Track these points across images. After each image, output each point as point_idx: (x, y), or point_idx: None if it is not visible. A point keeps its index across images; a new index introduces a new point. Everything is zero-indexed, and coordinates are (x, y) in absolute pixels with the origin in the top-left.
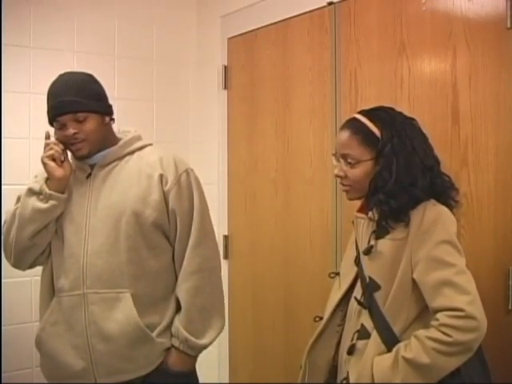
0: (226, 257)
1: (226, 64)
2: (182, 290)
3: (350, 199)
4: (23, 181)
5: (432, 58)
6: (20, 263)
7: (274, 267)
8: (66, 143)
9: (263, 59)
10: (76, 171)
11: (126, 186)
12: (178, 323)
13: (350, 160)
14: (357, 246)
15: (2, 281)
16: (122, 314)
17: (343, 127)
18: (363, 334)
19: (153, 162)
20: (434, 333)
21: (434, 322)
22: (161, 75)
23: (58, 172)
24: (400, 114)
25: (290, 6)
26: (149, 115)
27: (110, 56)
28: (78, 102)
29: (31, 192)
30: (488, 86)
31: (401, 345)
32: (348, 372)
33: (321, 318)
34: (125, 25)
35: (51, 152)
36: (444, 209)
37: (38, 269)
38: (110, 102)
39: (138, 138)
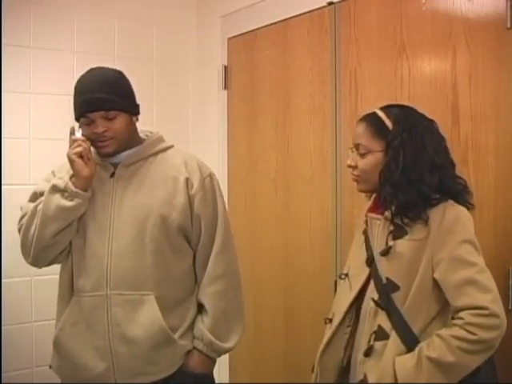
0: None
1: (225, 64)
2: (207, 294)
3: (360, 190)
4: (23, 181)
5: (432, 58)
6: (38, 261)
7: (273, 267)
8: (93, 140)
9: (263, 59)
10: (98, 169)
11: (152, 188)
12: (202, 326)
13: (361, 150)
14: (368, 246)
15: (2, 281)
16: (147, 316)
17: (360, 119)
18: (381, 334)
19: (178, 165)
20: (458, 331)
21: (457, 321)
22: (161, 75)
23: (85, 170)
24: (420, 114)
25: (290, 6)
26: (149, 115)
27: (109, 56)
28: (109, 100)
29: (55, 189)
30: (488, 86)
31: (423, 344)
32: (365, 373)
33: (330, 320)
34: (125, 25)
35: (79, 149)
36: (463, 209)
37: (38, 269)
38: None
39: (161, 139)
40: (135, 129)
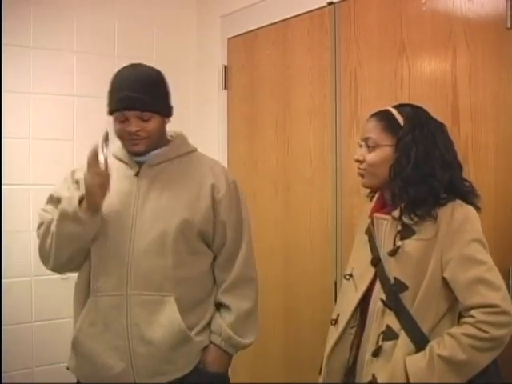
0: None
1: (225, 64)
2: (232, 295)
3: (365, 185)
4: (23, 181)
5: (432, 58)
6: (59, 272)
7: (273, 266)
8: (124, 137)
9: (263, 59)
10: (123, 166)
11: (176, 191)
12: (221, 321)
13: (370, 144)
14: (374, 246)
15: (2, 281)
16: (166, 317)
17: (371, 115)
18: (389, 334)
19: (203, 170)
20: (469, 329)
21: (468, 319)
22: None
23: (100, 200)
24: (431, 116)
25: (290, 6)
26: None
27: (109, 56)
28: (147, 101)
29: (65, 216)
30: (488, 86)
31: (433, 343)
32: (373, 374)
33: (335, 321)
34: (125, 25)
35: (99, 181)
36: (471, 209)
37: (39, 269)
38: None
39: (187, 142)
40: (165, 129)
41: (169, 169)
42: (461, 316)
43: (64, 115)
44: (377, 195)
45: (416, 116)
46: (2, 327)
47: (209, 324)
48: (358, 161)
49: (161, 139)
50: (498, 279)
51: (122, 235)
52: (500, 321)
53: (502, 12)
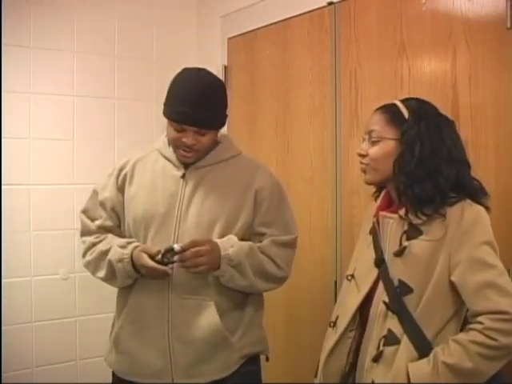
0: None
1: (225, 64)
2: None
3: (367, 181)
4: (23, 181)
5: (432, 58)
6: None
7: None
8: (178, 146)
9: (263, 59)
10: (169, 166)
11: (220, 195)
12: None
13: (373, 137)
14: (378, 247)
15: (2, 281)
16: (206, 320)
17: (377, 108)
18: (391, 339)
19: (248, 174)
20: (477, 336)
21: (476, 326)
22: (161, 75)
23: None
24: (438, 111)
25: (290, 6)
26: (149, 115)
27: (109, 56)
28: (207, 119)
29: (119, 273)
30: (488, 86)
31: (438, 350)
32: (373, 380)
33: (334, 324)
34: (125, 25)
35: (160, 275)
36: (482, 209)
37: (39, 269)
38: (110, 101)
39: (233, 145)
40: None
41: (214, 172)
42: (466, 322)
43: (64, 115)
44: (382, 194)
45: (422, 109)
46: (2, 327)
47: (249, 331)
48: (360, 155)
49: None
50: (509, 285)
51: (165, 237)
52: (510, 328)
53: (502, 12)
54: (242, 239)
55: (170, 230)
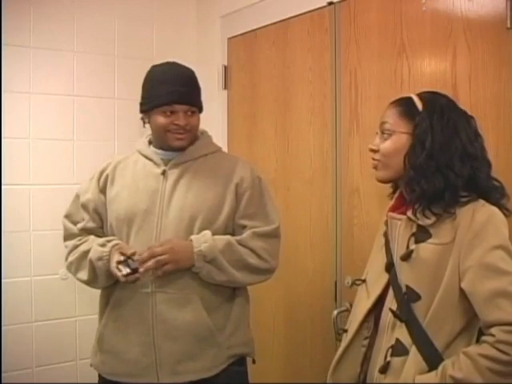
0: None
1: (225, 64)
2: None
3: (378, 179)
4: (23, 181)
5: (432, 58)
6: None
7: None
8: (170, 130)
9: (263, 59)
10: (149, 164)
11: (201, 190)
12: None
13: (385, 130)
14: (388, 250)
15: (2, 281)
16: (191, 314)
17: (391, 102)
18: (399, 350)
19: (228, 169)
20: (488, 350)
21: (488, 338)
22: None
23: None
24: (456, 105)
25: (289, 6)
26: None
27: (109, 56)
28: (196, 97)
29: (100, 274)
30: (488, 86)
31: (447, 362)
32: None
33: (345, 331)
34: (125, 25)
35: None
36: (495, 210)
37: (39, 269)
38: (110, 101)
39: (212, 141)
40: None
41: (194, 167)
42: (481, 333)
43: (64, 115)
44: (397, 194)
45: (437, 102)
46: (2, 327)
47: (238, 329)
48: (371, 150)
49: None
50: None
51: (147, 233)
52: None
53: (502, 12)
54: (225, 233)
55: (152, 226)
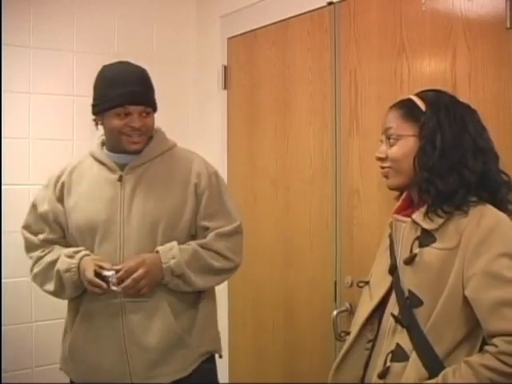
0: None
1: (225, 64)
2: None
3: (391, 187)
4: (23, 181)
5: (432, 58)
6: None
7: (273, 268)
8: (125, 133)
9: (263, 59)
10: (103, 170)
11: (160, 195)
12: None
13: (390, 136)
14: (392, 253)
15: (2, 281)
16: (161, 322)
17: (391, 105)
18: (399, 355)
19: (185, 168)
20: (490, 360)
21: (490, 348)
22: (161, 75)
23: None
24: (458, 100)
25: (289, 6)
26: None
27: (109, 56)
28: (150, 96)
29: (67, 285)
30: (488, 86)
31: (448, 370)
32: None
33: (348, 334)
34: (125, 25)
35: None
36: (503, 215)
37: None
38: None
39: (166, 138)
40: None
41: (151, 170)
42: (485, 343)
43: (64, 115)
44: (404, 195)
45: (440, 99)
46: (2, 327)
47: (204, 330)
48: (379, 159)
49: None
50: None
51: (111, 243)
52: None
53: (502, 12)
54: (188, 235)
55: (116, 236)
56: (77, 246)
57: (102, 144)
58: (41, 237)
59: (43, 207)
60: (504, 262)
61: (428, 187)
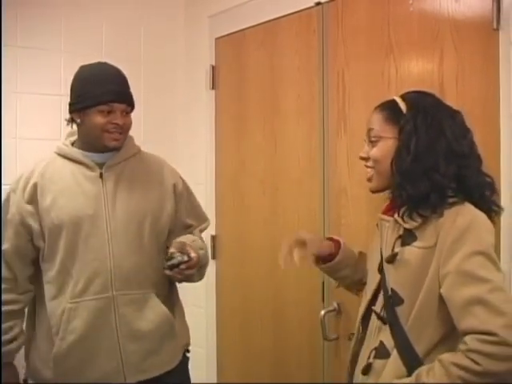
0: (213, 257)
1: (213, 64)
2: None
3: (371, 190)
4: (10, 181)
5: (419, 59)
6: None
7: (261, 267)
8: (107, 130)
9: (251, 59)
10: (82, 168)
11: (142, 189)
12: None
13: (372, 137)
14: (381, 251)
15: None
16: (154, 312)
17: (376, 106)
18: (382, 352)
19: (158, 169)
20: (461, 359)
21: (461, 346)
22: (148, 75)
23: None
24: (440, 102)
25: (277, 6)
26: (136, 115)
27: (97, 56)
28: (131, 96)
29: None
30: (475, 87)
31: (423, 369)
32: None
33: (353, 334)
34: (112, 25)
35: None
36: (480, 214)
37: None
38: None
39: (134, 142)
40: None
41: (128, 168)
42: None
43: (51, 115)
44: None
45: (421, 102)
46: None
47: (183, 321)
48: (362, 158)
49: None
50: (504, 303)
51: (99, 238)
52: (496, 353)
53: (489, 13)
54: (168, 231)
55: (103, 231)
56: (50, 247)
57: (72, 144)
58: (4, 247)
59: (11, 211)
60: (477, 261)
61: (400, 192)
